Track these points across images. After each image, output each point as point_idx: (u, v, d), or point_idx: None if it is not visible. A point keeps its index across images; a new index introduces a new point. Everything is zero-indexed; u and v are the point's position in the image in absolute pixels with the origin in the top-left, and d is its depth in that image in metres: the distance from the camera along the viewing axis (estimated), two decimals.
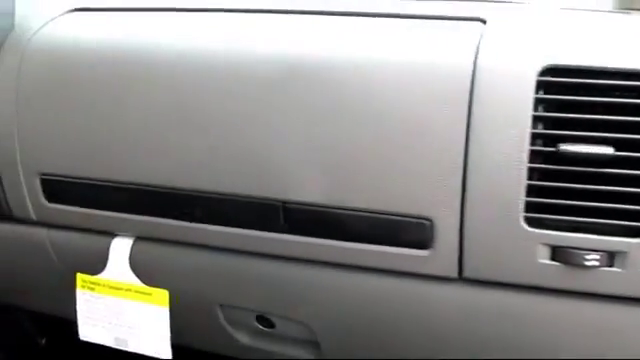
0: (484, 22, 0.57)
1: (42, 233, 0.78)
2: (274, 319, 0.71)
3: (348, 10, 0.61)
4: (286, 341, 0.75)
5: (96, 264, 0.74)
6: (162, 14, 0.75)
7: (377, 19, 0.62)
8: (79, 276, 0.75)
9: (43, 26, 0.75)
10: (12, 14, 0.76)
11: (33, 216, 0.75)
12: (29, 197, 0.74)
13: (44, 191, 0.73)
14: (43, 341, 1.39)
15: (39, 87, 0.72)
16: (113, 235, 0.73)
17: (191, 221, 0.65)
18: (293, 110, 0.57)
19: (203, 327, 0.77)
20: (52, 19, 0.76)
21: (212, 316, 0.74)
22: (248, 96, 0.59)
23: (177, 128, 0.63)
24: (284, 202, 0.59)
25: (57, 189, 0.73)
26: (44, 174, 0.73)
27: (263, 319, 0.72)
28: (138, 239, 0.72)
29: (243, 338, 0.77)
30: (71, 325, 1.15)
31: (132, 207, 0.69)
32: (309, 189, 0.57)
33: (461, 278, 0.55)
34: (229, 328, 0.75)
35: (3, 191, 0.76)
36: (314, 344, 0.72)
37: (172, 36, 0.67)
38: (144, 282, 0.72)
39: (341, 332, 0.66)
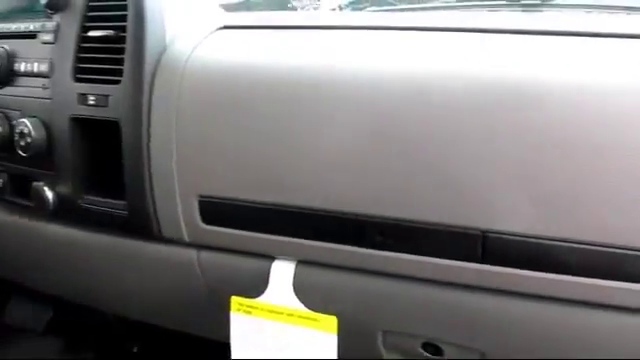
0: None
1: (191, 254, 0.76)
2: (444, 346, 0.69)
3: (548, 29, 0.59)
4: None
5: (251, 287, 0.73)
6: (322, 32, 0.73)
7: (567, 38, 0.59)
8: (234, 299, 0.74)
9: (197, 46, 0.73)
10: (163, 35, 0.75)
11: (185, 237, 0.75)
12: (184, 218, 0.73)
13: (201, 213, 0.72)
14: (135, 348, 1.40)
15: (199, 108, 0.71)
16: (272, 258, 0.72)
17: (371, 248, 0.63)
18: (503, 137, 0.55)
19: (356, 350, 0.75)
20: (204, 38, 0.75)
21: (370, 340, 0.72)
22: (451, 119, 0.57)
23: (363, 151, 0.61)
24: (484, 231, 0.57)
25: (215, 211, 0.72)
26: (203, 196, 0.72)
27: (430, 345, 0.70)
28: (300, 263, 0.70)
29: None
30: (162, 333, 1.14)
31: (299, 231, 0.67)
32: (518, 219, 0.55)
33: None
34: (384, 352, 0.74)
35: (155, 211, 0.75)
36: None
37: (352, 56, 0.65)
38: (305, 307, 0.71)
39: None
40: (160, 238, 0.77)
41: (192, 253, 0.76)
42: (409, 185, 0.59)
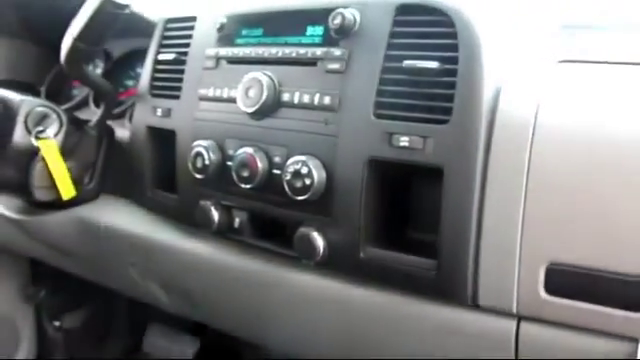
0: None
1: (506, 325, 0.64)
2: None
3: None
4: None
5: None
6: None
7: None
8: None
9: (545, 88, 0.62)
10: (497, 70, 0.64)
11: (513, 308, 0.63)
12: (519, 286, 0.62)
13: (546, 281, 0.61)
14: None
15: (563, 164, 0.59)
16: (635, 340, 0.60)
17: None
18: None
19: None
20: (546, 77, 0.64)
21: None
22: None
23: None
24: None
25: (564, 280, 0.60)
26: (553, 263, 0.60)
27: None
28: None
29: None
30: None
31: None
32: None
33: None
34: None
35: (476, 274, 0.64)
36: None
37: None
38: None
39: None
40: (472, 304, 0.66)
41: (509, 324, 0.64)
42: None
